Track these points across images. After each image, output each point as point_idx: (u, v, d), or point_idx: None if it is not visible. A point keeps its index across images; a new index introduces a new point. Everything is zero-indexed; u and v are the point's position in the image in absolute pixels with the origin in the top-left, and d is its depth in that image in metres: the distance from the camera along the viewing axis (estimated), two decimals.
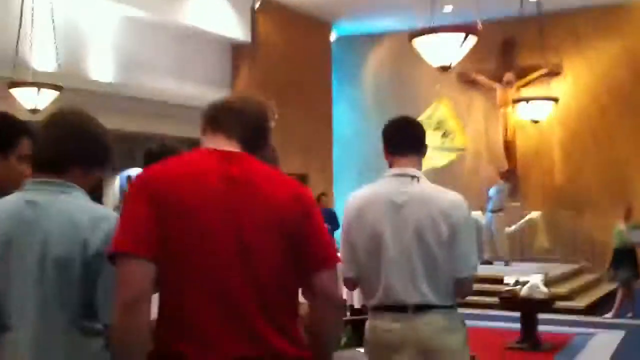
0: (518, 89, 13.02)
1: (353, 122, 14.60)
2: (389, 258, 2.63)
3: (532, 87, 13.05)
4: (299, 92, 12.67)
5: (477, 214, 11.99)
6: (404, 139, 2.80)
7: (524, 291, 7.35)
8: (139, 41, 10.31)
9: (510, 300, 7.54)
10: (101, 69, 9.68)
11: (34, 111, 7.24)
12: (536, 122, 10.29)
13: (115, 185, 12.31)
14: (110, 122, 8.64)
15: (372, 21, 13.88)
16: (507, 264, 11.66)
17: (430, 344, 2.61)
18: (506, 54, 13.30)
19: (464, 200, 2.70)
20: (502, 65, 13.27)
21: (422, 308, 2.61)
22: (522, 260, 12.02)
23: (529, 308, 7.44)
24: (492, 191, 11.97)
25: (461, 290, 2.69)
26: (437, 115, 9.59)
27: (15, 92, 7.02)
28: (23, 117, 7.62)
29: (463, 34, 4.73)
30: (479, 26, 5.02)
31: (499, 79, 13.17)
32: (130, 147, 12.16)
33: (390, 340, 2.63)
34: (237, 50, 11.88)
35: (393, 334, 2.63)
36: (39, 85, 6.97)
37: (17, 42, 8.09)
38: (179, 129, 10.96)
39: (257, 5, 11.73)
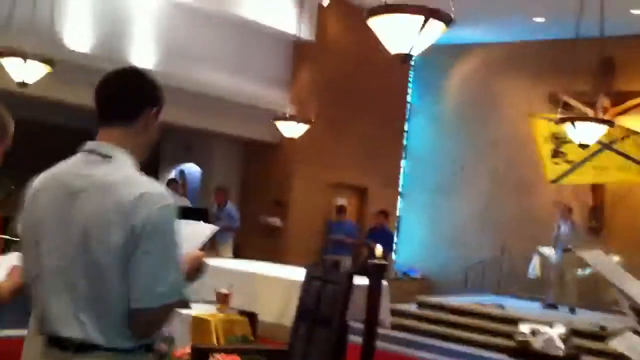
0: (614, 116, 11.53)
1: (429, 138, 13.61)
2: (47, 268, 1.89)
3: (630, 115, 11.54)
4: (365, 99, 11.88)
5: (546, 249, 10.80)
6: (105, 101, 2.00)
7: (538, 344, 6.21)
8: (189, 30, 9.97)
9: (520, 352, 6.40)
10: (142, 55, 9.41)
11: (22, 85, 6.95)
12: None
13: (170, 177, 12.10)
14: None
15: (459, 30, 12.84)
16: (572, 311, 10.31)
17: None
18: (603, 76, 11.82)
19: (168, 195, 1.90)
20: (597, 89, 11.82)
21: (84, 348, 1.83)
22: (592, 308, 10.56)
23: None
24: (563, 228, 10.62)
25: (137, 325, 1.85)
26: None
27: (3, 61, 6.77)
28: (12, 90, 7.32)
29: (422, 17, 3.85)
30: (452, 15, 4.10)
31: (592, 104, 11.74)
32: (180, 140, 11.99)
33: None
34: (299, 49, 11.28)
35: None
36: (26, 55, 6.65)
37: (53, 20, 7.98)
38: (230, 126, 10.58)
39: (325, 2, 11.09)
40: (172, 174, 12.22)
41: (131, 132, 1.97)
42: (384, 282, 5.95)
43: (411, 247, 13.65)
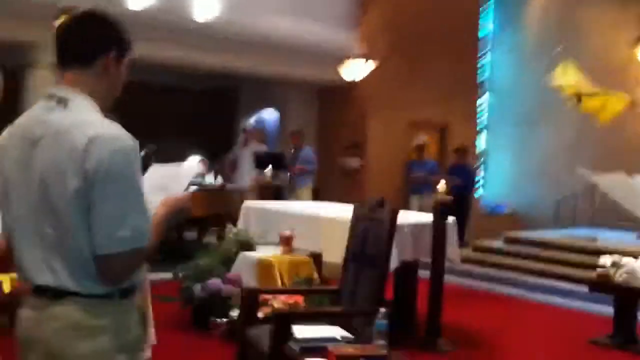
0: None
1: (511, 70, 13.01)
2: (17, 218, 1.88)
3: None
4: (439, 33, 11.47)
5: None
6: (61, 44, 1.93)
7: (618, 276, 5.90)
8: None
9: (601, 285, 6.10)
10: (205, 6, 9.38)
11: None
12: None
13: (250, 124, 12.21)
14: (214, 61, 8.33)
15: None
16: None
17: (54, 347, 1.82)
18: None
19: (125, 136, 1.82)
20: None
21: (59, 294, 1.82)
22: None
23: (627, 297, 5.96)
24: None
25: (103, 272, 1.80)
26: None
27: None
28: None
29: None
30: None
31: None
32: (256, 88, 12.00)
33: (21, 335, 1.90)
34: None
35: (23, 326, 1.89)
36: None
37: None
38: (301, 71, 10.49)
39: None
40: (251, 121, 12.32)
41: (89, 76, 1.91)
42: (450, 218, 5.79)
43: (498, 183, 13.27)
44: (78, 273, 1.80)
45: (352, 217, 4.16)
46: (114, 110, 1.98)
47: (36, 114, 1.89)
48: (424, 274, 5.99)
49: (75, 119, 1.82)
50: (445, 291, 5.75)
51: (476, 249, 9.97)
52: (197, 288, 5.84)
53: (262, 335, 3.74)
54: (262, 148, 10.55)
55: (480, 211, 12.57)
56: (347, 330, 3.68)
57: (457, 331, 6.19)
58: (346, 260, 4.11)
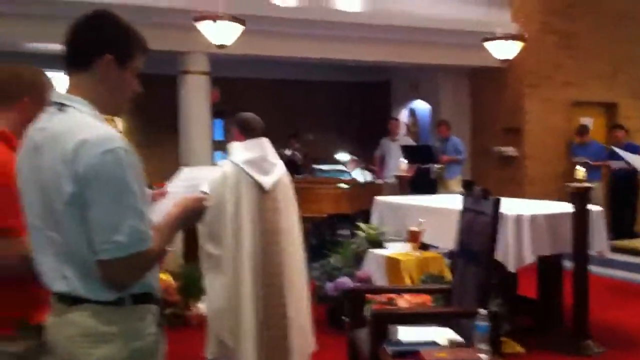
0: None
1: None
2: (30, 225, 1.89)
3: None
4: (597, 2, 10.50)
5: None
6: (65, 49, 1.91)
7: None
8: None
9: None
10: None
11: (221, 46, 7.27)
12: None
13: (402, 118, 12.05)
14: (363, 53, 8.42)
15: None
16: None
17: (68, 354, 1.81)
18: None
19: (116, 138, 1.76)
20: None
21: (73, 300, 1.81)
22: None
23: None
24: None
25: (106, 277, 1.77)
26: None
27: (200, 25, 7.11)
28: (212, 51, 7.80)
29: None
30: None
31: None
32: (406, 78, 11.73)
33: (47, 340, 1.90)
34: None
35: (47, 330, 1.90)
36: (219, 18, 6.91)
37: None
38: (451, 56, 10.12)
39: None
40: (403, 114, 12.11)
41: (88, 81, 1.88)
42: (593, 207, 5.27)
43: None
44: (87, 279, 1.79)
45: (461, 209, 3.87)
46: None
47: (39, 122, 1.89)
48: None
49: (70, 123, 1.81)
50: (601, 286, 5.23)
51: None
52: (329, 287, 5.79)
53: (365, 337, 3.60)
54: (409, 141, 10.32)
55: None
56: (459, 333, 3.44)
57: (609, 330, 5.62)
58: (456, 255, 3.85)
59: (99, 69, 1.87)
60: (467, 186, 9.58)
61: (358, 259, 5.94)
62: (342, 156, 10.84)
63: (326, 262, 6.11)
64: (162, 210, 1.94)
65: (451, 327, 3.50)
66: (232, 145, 3.91)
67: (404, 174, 7.17)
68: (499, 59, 8.99)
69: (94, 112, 1.86)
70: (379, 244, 5.90)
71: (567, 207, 5.27)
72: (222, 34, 7.14)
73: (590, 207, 5.16)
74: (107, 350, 1.79)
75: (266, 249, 3.79)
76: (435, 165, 9.47)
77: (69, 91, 1.89)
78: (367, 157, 10.63)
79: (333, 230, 9.49)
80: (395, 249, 5.67)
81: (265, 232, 3.80)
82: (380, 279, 5.53)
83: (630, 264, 8.12)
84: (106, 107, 1.90)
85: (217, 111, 9.19)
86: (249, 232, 3.73)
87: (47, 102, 1.92)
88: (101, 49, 1.87)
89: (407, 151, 9.47)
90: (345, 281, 5.67)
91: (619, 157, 9.49)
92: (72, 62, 1.89)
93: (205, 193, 2.04)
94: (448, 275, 5.44)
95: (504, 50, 8.62)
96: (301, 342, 3.91)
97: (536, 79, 10.33)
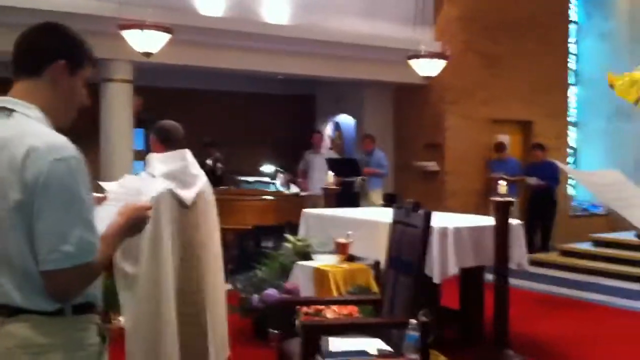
0: None
1: (602, 60, 12.25)
2: None
3: None
4: (521, 25, 10.94)
5: None
6: (15, 54, 1.88)
7: None
8: None
9: None
10: (275, 12, 9.35)
11: (147, 54, 7.16)
12: None
13: (326, 131, 12.15)
14: (291, 66, 8.32)
15: None
16: None
17: None
18: None
19: (67, 145, 1.73)
20: None
21: (9, 312, 1.75)
22: None
23: None
24: None
25: (52, 288, 1.72)
26: None
27: (125, 34, 6.99)
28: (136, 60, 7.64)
29: None
30: None
31: None
32: (331, 92, 11.87)
33: None
34: None
35: None
36: (146, 26, 6.82)
37: None
38: (376, 72, 10.28)
39: None
40: (328, 128, 12.22)
41: (37, 86, 1.85)
42: (514, 221, 5.45)
43: None
44: (26, 289, 1.73)
45: (391, 221, 3.93)
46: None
47: None
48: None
49: (17, 129, 1.76)
50: (523, 299, 5.41)
51: (563, 252, 9.40)
52: (255, 299, 5.76)
53: (296, 348, 3.59)
54: (333, 154, 10.42)
55: (570, 212, 11.91)
56: (388, 343, 3.48)
57: (530, 341, 5.81)
58: (386, 266, 3.90)
59: (51, 74, 1.85)
60: (389, 199, 9.79)
61: (285, 270, 5.94)
62: (267, 168, 10.84)
63: (253, 274, 6.07)
64: (103, 216, 1.89)
65: (380, 338, 3.54)
66: (151, 157, 3.71)
67: (331, 187, 7.23)
68: (421, 76, 9.21)
69: (42, 118, 1.82)
70: (306, 256, 5.91)
71: (489, 220, 5.44)
72: (148, 42, 7.02)
73: (510, 220, 5.33)
74: None
75: (185, 264, 3.64)
76: (359, 178, 9.59)
77: (15, 96, 1.84)
78: (291, 169, 10.66)
79: (257, 242, 9.45)
80: (323, 261, 5.70)
81: (185, 247, 3.64)
82: (307, 291, 5.54)
83: (547, 276, 8.43)
84: (55, 115, 1.87)
85: (139, 120, 9.00)
86: (168, 249, 3.58)
87: None
88: (54, 55, 1.86)
89: (333, 164, 9.55)
90: (272, 293, 5.66)
91: (534, 174, 9.91)
92: (23, 67, 1.86)
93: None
94: (374, 287, 5.51)
95: (428, 67, 8.84)
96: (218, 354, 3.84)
97: (457, 97, 10.63)
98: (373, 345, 3.44)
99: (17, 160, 1.69)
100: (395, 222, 3.87)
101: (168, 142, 3.70)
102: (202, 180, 3.76)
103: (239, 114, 11.80)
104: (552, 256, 9.31)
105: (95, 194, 2.04)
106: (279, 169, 10.52)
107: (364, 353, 3.30)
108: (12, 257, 1.72)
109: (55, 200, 1.68)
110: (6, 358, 1.74)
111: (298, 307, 4.34)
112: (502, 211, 5.20)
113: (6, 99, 1.84)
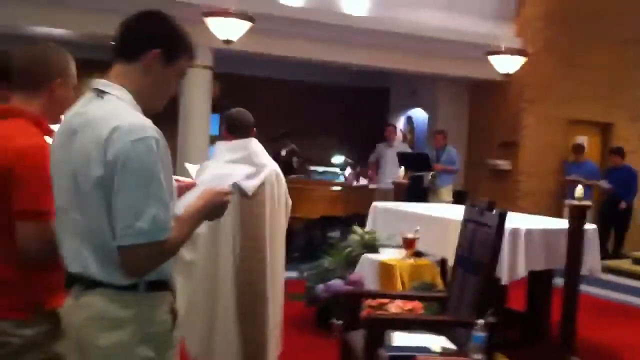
0: None
1: None
2: (58, 207, 1.92)
3: None
4: (603, 23, 10.57)
5: None
6: (116, 38, 1.96)
7: None
8: None
9: None
10: (353, 3, 9.35)
11: (227, 42, 7.28)
12: None
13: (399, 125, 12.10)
14: (366, 59, 8.36)
15: None
16: None
17: (80, 337, 1.84)
18: None
19: (149, 127, 1.80)
20: None
21: (88, 283, 1.84)
22: None
23: None
24: None
25: (124, 263, 1.79)
26: None
27: (209, 21, 7.11)
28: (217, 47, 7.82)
29: None
30: None
31: None
32: (406, 85, 11.79)
33: (63, 322, 1.94)
34: None
35: (63, 312, 1.93)
36: (229, 14, 6.93)
37: None
38: (453, 67, 10.18)
39: None
40: (401, 121, 12.16)
41: (131, 71, 1.92)
42: (589, 226, 5.32)
43: None
44: (105, 263, 1.81)
45: (463, 219, 3.91)
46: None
47: (77, 107, 1.93)
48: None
49: (106, 109, 1.84)
50: (591, 305, 5.28)
51: (636, 260, 9.11)
52: (320, 288, 5.81)
53: (360, 339, 3.62)
54: (405, 148, 10.37)
55: None
56: (453, 341, 3.47)
57: (595, 348, 5.68)
58: (455, 265, 3.88)
59: (145, 61, 1.91)
60: (459, 196, 9.69)
61: (350, 262, 5.97)
62: (338, 159, 10.88)
63: (318, 264, 6.13)
64: (189, 200, 1.96)
65: (445, 335, 3.53)
66: (218, 145, 3.76)
67: (401, 181, 7.21)
68: (500, 73, 9.04)
69: (132, 102, 1.89)
70: (372, 249, 5.92)
71: (563, 223, 5.32)
72: (230, 29, 7.15)
73: (586, 226, 5.20)
74: (118, 335, 1.81)
75: (246, 254, 3.64)
76: (429, 174, 9.52)
77: (110, 79, 1.92)
78: (362, 161, 10.66)
79: (324, 232, 9.52)
80: (389, 255, 5.70)
81: (246, 237, 3.64)
82: (372, 284, 5.55)
83: (618, 284, 8.19)
84: (143, 101, 1.93)
85: (216, 106, 9.19)
86: (228, 237, 3.60)
87: (74, 84, 1.94)
88: (151, 43, 1.92)
89: (404, 158, 9.51)
90: (337, 284, 5.70)
91: (611, 179, 9.62)
92: (121, 52, 1.93)
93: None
94: (440, 284, 5.48)
95: (507, 64, 8.68)
96: (275, 346, 3.88)
97: (535, 95, 10.41)
98: (437, 342, 3.43)
99: (101, 138, 1.77)
100: (467, 220, 3.84)
101: (235, 130, 3.74)
102: (268, 170, 3.74)
103: (313, 105, 11.89)
104: (625, 264, 9.03)
105: (185, 179, 2.11)
106: (348, 160, 10.55)
107: (427, 350, 3.31)
108: (93, 231, 1.81)
109: (133, 179, 1.75)
110: (82, 328, 1.83)
111: (363, 299, 4.35)
112: (577, 215, 5.07)
113: (101, 81, 1.92)
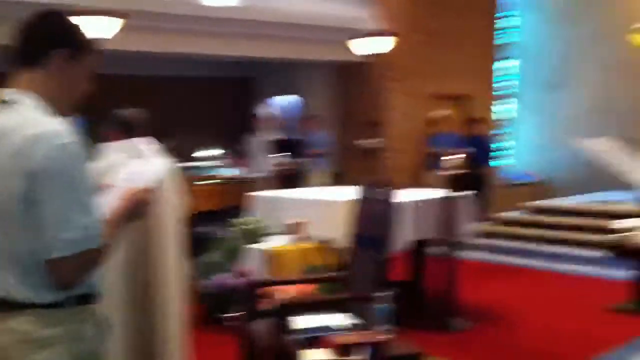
0: None
1: (538, 32, 12.65)
2: None
3: None
4: (457, 2, 11.13)
5: None
6: (18, 45, 1.86)
7: (636, 238, 5.63)
8: None
9: (622, 249, 5.85)
10: None
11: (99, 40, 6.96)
12: None
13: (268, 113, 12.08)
14: (233, 49, 8.10)
15: None
16: None
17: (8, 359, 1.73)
18: None
19: (68, 133, 1.72)
20: None
21: (11, 306, 1.73)
22: None
23: None
24: None
25: (55, 276, 1.71)
26: None
27: (79, 20, 6.76)
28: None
29: None
30: None
31: None
32: (275, 72, 11.83)
33: None
34: None
35: None
36: (99, 13, 6.66)
37: None
38: (320, 51, 10.27)
39: None
40: (270, 109, 12.16)
41: (39, 76, 1.83)
42: (463, 193, 5.58)
43: (527, 151, 12.95)
44: (28, 281, 1.72)
45: (356, 198, 3.98)
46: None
47: None
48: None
49: (19, 119, 1.74)
50: (466, 268, 5.58)
51: (499, 222, 9.69)
52: (208, 284, 5.73)
53: (265, 327, 3.61)
54: (277, 135, 10.40)
55: (505, 182, 12.25)
56: (358, 317, 3.54)
57: (476, 308, 6.01)
58: (352, 243, 3.95)
59: (53, 63, 1.83)
60: (336, 178, 9.87)
61: (236, 254, 5.91)
62: (213, 152, 10.73)
63: (202, 260, 6.02)
64: (107, 202, 1.87)
65: (352, 312, 3.59)
66: (108, 146, 3.63)
67: (282, 168, 7.22)
68: (365, 55, 9.25)
69: (45, 107, 1.79)
70: (257, 239, 5.90)
71: (438, 194, 5.55)
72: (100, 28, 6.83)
73: (461, 193, 5.46)
74: (48, 354, 1.72)
75: (138, 258, 3.53)
76: (304, 159, 9.62)
77: (17, 87, 1.82)
78: (234, 152, 10.58)
79: (202, 227, 9.36)
80: (275, 242, 5.70)
81: (136, 239, 3.49)
82: (261, 273, 5.53)
83: (491, 246, 8.67)
84: (57, 103, 1.84)
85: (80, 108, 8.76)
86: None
87: None
88: (56, 43, 1.84)
89: (278, 145, 9.56)
90: (222, 278, 5.64)
91: (472, 147, 10.12)
92: (24, 58, 1.84)
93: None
94: (330, 265, 5.55)
95: (369, 46, 8.90)
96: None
97: (398, 74, 10.75)
98: (343, 320, 3.50)
99: (19, 149, 1.68)
100: (361, 199, 3.91)
101: (126, 130, 3.67)
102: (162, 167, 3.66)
103: (182, 99, 11.63)
104: (493, 226, 9.57)
105: (101, 181, 2.01)
106: (224, 152, 10.44)
107: (336, 328, 3.36)
108: (13, 249, 1.71)
109: (58, 188, 1.67)
110: (10, 352, 1.72)
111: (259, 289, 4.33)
112: (451, 185, 5.31)
113: (8, 90, 1.82)
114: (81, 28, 1.91)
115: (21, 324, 1.71)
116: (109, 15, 6.86)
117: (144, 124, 3.73)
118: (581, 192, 11.08)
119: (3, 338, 1.72)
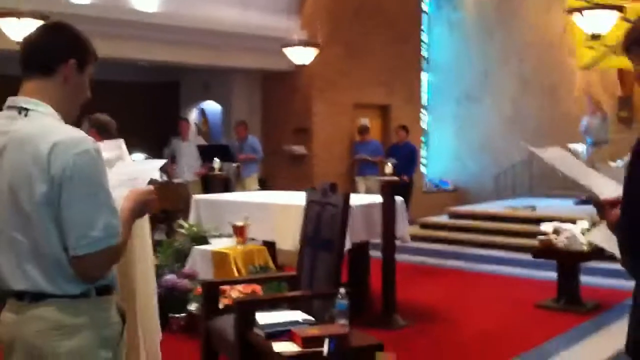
0: None
1: (451, 47, 13.31)
2: None
3: None
4: (378, 14, 11.61)
5: (577, 145, 10.53)
6: (23, 54, 1.99)
7: (560, 242, 6.17)
8: None
9: (544, 251, 6.38)
10: None
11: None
12: (597, 36, 7.82)
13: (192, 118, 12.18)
14: (159, 54, 8.13)
15: None
16: None
17: (35, 347, 1.88)
18: None
19: (87, 139, 1.88)
20: None
21: (36, 297, 1.89)
22: None
23: (568, 261, 6.26)
24: (588, 121, 10.35)
25: (80, 272, 1.88)
26: None
27: (3, 22, 6.75)
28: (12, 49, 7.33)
29: None
30: None
31: None
32: (198, 79, 11.95)
33: (4, 338, 1.96)
34: None
35: (4, 328, 1.95)
36: (21, 14, 6.63)
37: None
38: (244, 59, 10.48)
39: None
40: (193, 114, 12.26)
41: (50, 85, 1.96)
42: (398, 198, 5.95)
43: (442, 160, 13.58)
44: (53, 276, 1.86)
45: (305, 202, 4.25)
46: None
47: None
48: (376, 254, 6.15)
49: (36, 127, 1.88)
50: (397, 269, 5.93)
51: (423, 225, 10.21)
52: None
53: (225, 325, 3.80)
54: (200, 141, 10.53)
55: (423, 189, 12.83)
56: (308, 314, 3.78)
57: (411, 307, 6.37)
58: (302, 245, 4.21)
59: (62, 73, 1.96)
60: (265, 184, 10.11)
61: (180, 256, 6.08)
62: (137, 157, 10.72)
63: None
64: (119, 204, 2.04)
65: (301, 310, 3.85)
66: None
67: (209, 173, 7.40)
68: (291, 64, 9.54)
69: (56, 115, 1.94)
70: (202, 241, 6.09)
71: (375, 199, 5.91)
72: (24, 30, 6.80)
73: (396, 198, 5.83)
74: (78, 341, 1.88)
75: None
76: (233, 164, 9.80)
77: (28, 95, 1.95)
78: (159, 157, 10.61)
79: None
80: (221, 244, 5.91)
81: None
82: (206, 274, 5.73)
83: (412, 248, 9.10)
84: (66, 110, 1.99)
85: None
86: None
87: None
88: (67, 55, 1.97)
89: (204, 151, 9.70)
90: (170, 279, 5.79)
91: (395, 154, 10.59)
92: (34, 67, 1.96)
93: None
94: (272, 266, 5.82)
95: (301, 56, 9.20)
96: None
97: (322, 83, 11.12)
98: (297, 316, 3.74)
99: (42, 156, 1.81)
100: (310, 202, 4.18)
101: (103, 132, 3.89)
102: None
103: (105, 103, 11.53)
104: (414, 229, 10.06)
105: None
106: (148, 157, 10.46)
107: (296, 323, 3.60)
108: (40, 247, 1.85)
109: (82, 190, 1.83)
110: (37, 339, 1.87)
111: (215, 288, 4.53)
112: (387, 191, 5.67)
113: (21, 98, 1.95)
114: (85, 37, 2.04)
115: (49, 312, 1.86)
116: (31, 17, 6.83)
117: (115, 127, 3.89)
118: (491, 199, 11.79)
119: (33, 326, 1.87)
